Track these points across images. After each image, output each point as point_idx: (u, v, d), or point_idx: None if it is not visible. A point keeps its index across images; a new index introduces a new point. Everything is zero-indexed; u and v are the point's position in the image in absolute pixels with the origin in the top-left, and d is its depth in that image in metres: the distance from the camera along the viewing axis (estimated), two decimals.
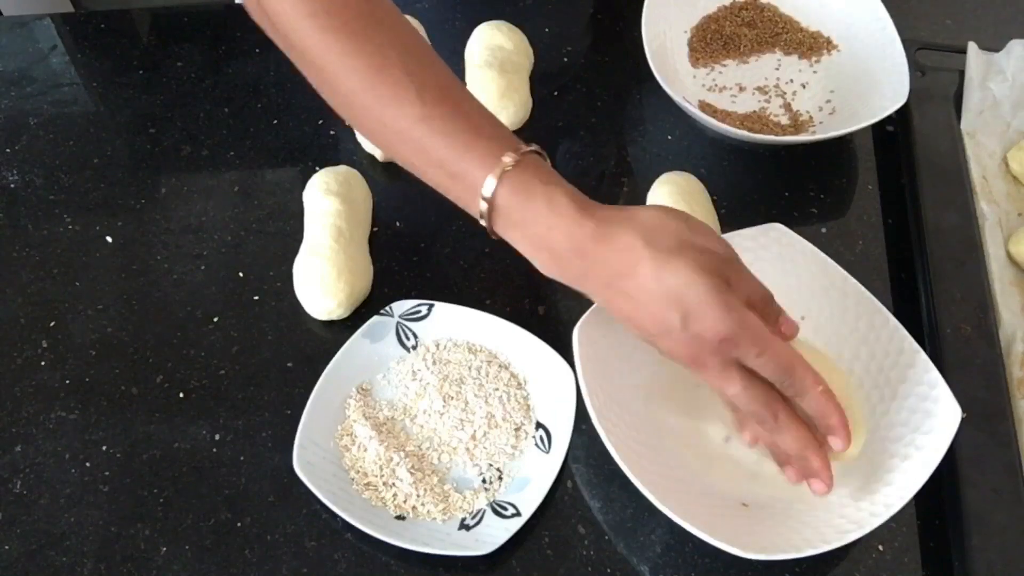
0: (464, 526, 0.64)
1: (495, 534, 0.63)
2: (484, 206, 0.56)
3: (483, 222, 0.57)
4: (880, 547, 0.65)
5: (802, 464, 0.58)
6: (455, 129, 0.57)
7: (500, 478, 0.67)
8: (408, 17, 0.88)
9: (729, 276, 0.55)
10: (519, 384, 0.70)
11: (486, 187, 0.56)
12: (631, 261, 0.54)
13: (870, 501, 0.61)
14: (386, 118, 0.58)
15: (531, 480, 0.66)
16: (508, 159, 0.55)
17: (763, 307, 0.58)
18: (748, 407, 0.56)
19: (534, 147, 0.58)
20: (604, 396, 0.64)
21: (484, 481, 0.66)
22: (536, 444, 0.68)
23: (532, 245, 0.57)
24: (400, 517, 0.65)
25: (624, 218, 0.55)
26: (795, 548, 0.59)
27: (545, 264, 0.57)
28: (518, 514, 0.64)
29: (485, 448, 0.68)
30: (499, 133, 0.58)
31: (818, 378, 0.56)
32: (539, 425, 0.69)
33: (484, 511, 0.65)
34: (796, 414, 0.57)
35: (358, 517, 0.63)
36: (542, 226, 0.56)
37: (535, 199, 0.56)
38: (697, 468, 0.66)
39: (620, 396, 0.66)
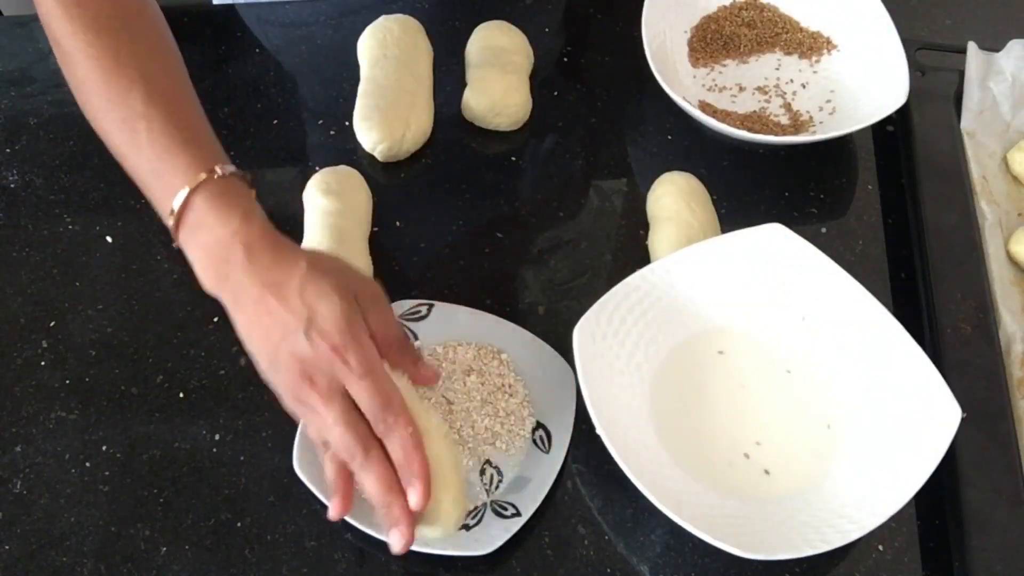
0: (464, 526, 0.64)
1: (495, 534, 0.63)
2: (175, 208, 0.58)
3: (170, 223, 0.59)
4: (880, 547, 0.65)
5: (386, 512, 0.56)
6: (169, 133, 0.59)
7: (500, 478, 0.67)
8: (408, 17, 0.89)
9: (368, 309, 0.58)
10: (519, 384, 0.70)
11: (179, 196, 0.58)
12: (288, 271, 0.57)
13: (870, 501, 0.61)
14: (112, 106, 0.61)
15: (531, 480, 0.66)
16: (206, 174, 0.58)
17: (397, 345, 0.60)
18: (341, 438, 0.55)
19: (237, 171, 0.60)
20: (604, 396, 0.64)
21: (484, 481, 0.66)
22: (536, 444, 0.68)
23: (204, 251, 0.59)
24: None
25: (295, 247, 0.60)
26: (795, 548, 0.59)
27: (207, 270, 0.59)
28: (518, 514, 0.64)
29: (485, 448, 0.68)
30: (212, 150, 0.61)
31: (411, 423, 0.56)
32: (539, 425, 0.69)
33: (484, 511, 0.65)
34: (388, 459, 0.56)
35: (358, 517, 0.63)
36: (224, 232, 0.58)
37: (222, 211, 0.58)
38: (697, 468, 0.66)
39: (620, 396, 0.66)
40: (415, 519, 0.56)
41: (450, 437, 0.63)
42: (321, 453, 0.58)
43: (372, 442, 0.56)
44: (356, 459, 0.55)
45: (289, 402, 0.58)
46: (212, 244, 0.58)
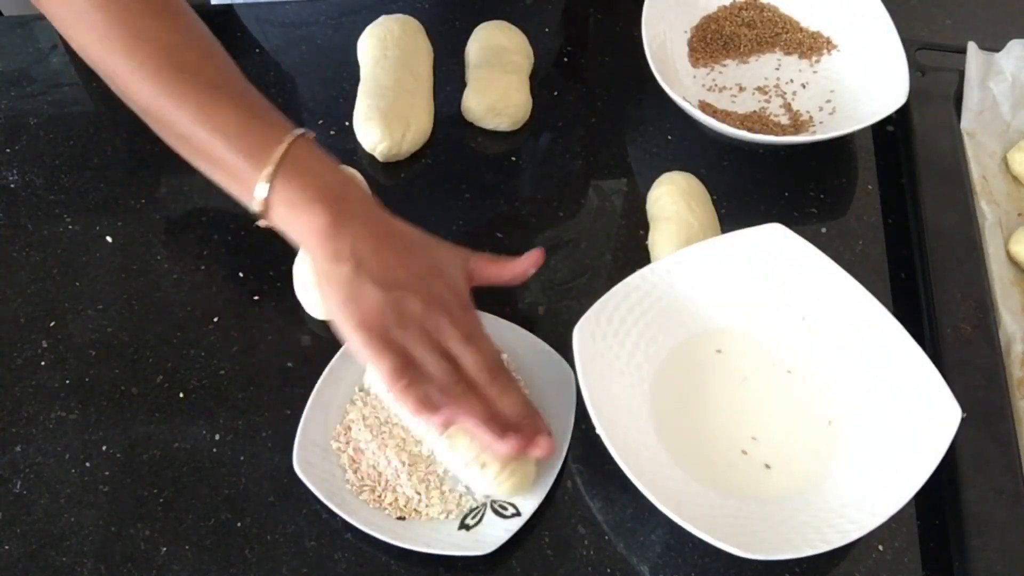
0: (464, 526, 0.64)
1: (495, 534, 0.63)
2: (280, 152, 0.59)
3: (267, 168, 0.59)
4: (880, 547, 0.65)
5: (528, 425, 0.61)
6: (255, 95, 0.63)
7: None
8: (408, 17, 0.89)
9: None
10: (519, 383, 0.70)
11: (283, 143, 0.60)
12: (412, 227, 0.63)
13: (870, 501, 0.61)
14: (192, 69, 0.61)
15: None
16: (302, 129, 0.61)
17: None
18: (440, 364, 0.60)
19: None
20: (604, 396, 0.64)
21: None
22: None
23: (316, 190, 0.60)
24: (400, 517, 0.64)
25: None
26: (795, 548, 0.59)
27: (317, 203, 0.59)
28: (518, 514, 0.64)
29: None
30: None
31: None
32: None
33: (484, 511, 0.65)
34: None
35: (359, 517, 0.63)
36: (336, 178, 0.61)
37: (327, 160, 0.62)
38: (697, 468, 0.66)
39: (620, 396, 0.66)
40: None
41: None
42: (395, 392, 0.59)
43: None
44: (458, 386, 0.60)
45: (369, 336, 0.59)
46: (323, 185, 0.60)
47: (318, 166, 0.61)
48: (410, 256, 0.61)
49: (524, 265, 0.66)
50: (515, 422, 0.61)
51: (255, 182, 0.59)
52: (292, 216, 0.60)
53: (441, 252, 0.64)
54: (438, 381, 0.59)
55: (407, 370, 0.59)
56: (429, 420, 0.60)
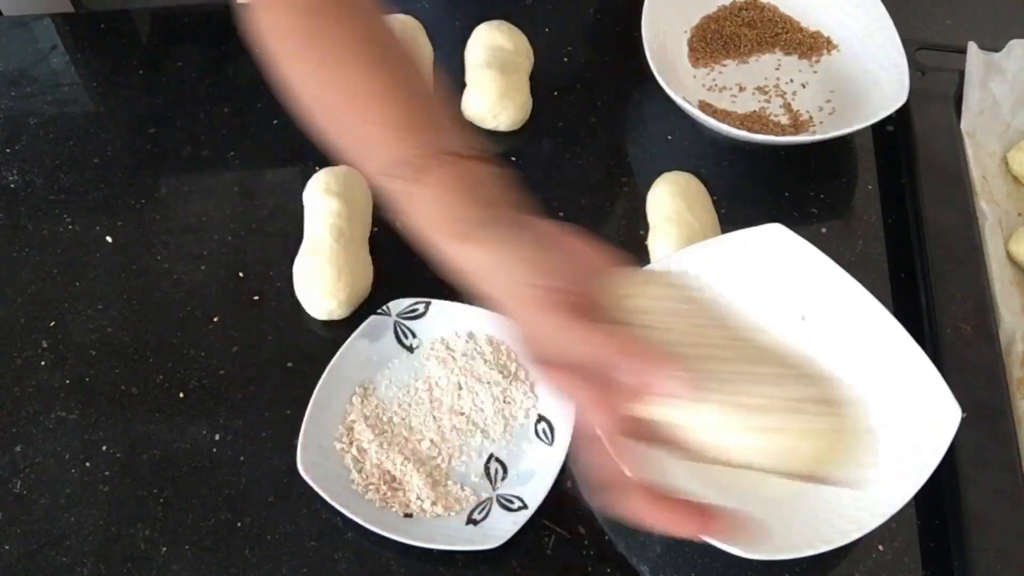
0: (472, 520, 0.64)
1: (503, 527, 0.63)
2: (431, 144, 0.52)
3: (410, 155, 0.52)
4: (880, 547, 0.65)
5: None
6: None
7: (504, 472, 0.67)
8: (408, 17, 0.89)
9: None
10: (519, 378, 0.71)
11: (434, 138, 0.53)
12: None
13: (870, 501, 0.61)
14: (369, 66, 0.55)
15: (536, 473, 0.66)
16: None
17: None
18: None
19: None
20: None
21: (489, 475, 0.67)
22: (539, 436, 0.68)
23: (469, 181, 0.52)
24: (408, 515, 0.65)
25: None
26: (795, 548, 0.59)
27: (465, 193, 0.51)
28: (525, 507, 0.64)
29: (488, 442, 0.68)
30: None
31: None
32: (541, 418, 0.69)
33: (491, 505, 0.65)
34: None
35: (366, 517, 0.63)
36: (494, 171, 0.52)
37: (484, 160, 0.53)
38: (697, 467, 0.66)
39: None
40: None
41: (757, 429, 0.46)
42: (602, 448, 0.48)
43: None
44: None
45: (560, 377, 0.47)
46: (480, 178, 0.52)
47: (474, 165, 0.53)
48: None
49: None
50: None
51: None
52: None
53: None
54: None
55: None
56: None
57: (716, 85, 0.89)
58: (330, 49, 0.56)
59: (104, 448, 0.69)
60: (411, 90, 0.57)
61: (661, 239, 0.76)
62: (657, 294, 0.49)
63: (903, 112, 0.82)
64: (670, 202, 0.77)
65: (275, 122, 0.86)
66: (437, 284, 0.76)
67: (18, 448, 0.69)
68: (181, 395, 0.71)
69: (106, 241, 0.79)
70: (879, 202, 0.83)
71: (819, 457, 0.44)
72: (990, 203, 0.80)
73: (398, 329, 0.72)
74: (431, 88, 0.59)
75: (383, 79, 0.56)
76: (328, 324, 0.74)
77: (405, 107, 0.56)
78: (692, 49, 0.92)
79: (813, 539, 0.59)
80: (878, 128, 0.85)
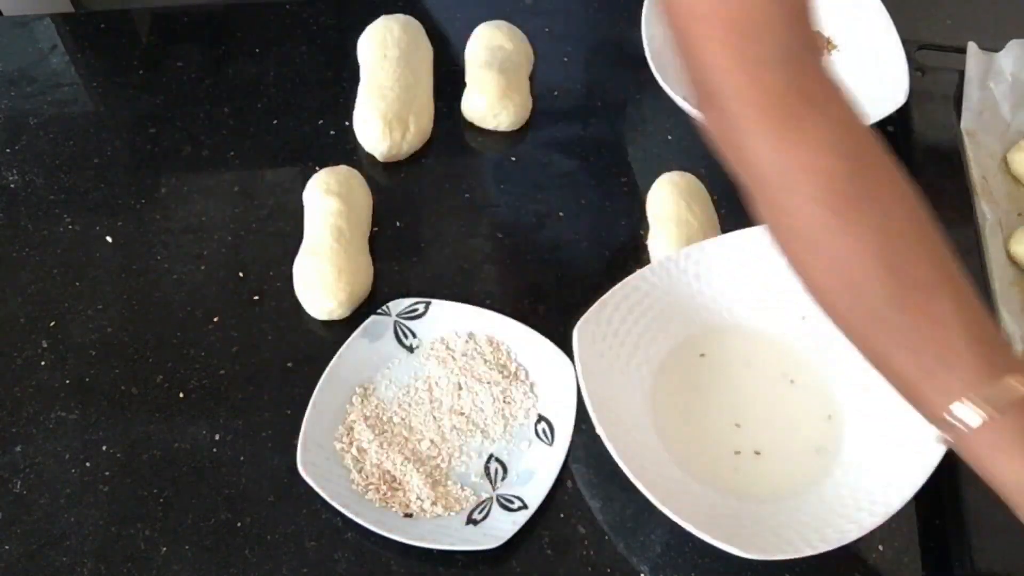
0: (471, 521, 0.64)
1: (503, 527, 0.63)
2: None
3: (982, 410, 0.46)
4: (880, 547, 0.65)
5: None
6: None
7: (504, 472, 0.67)
8: (408, 17, 0.89)
9: None
10: (519, 378, 0.71)
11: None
12: None
13: (870, 501, 0.61)
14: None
15: (535, 473, 0.66)
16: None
17: None
18: None
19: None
20: (604, 395, 0.64)
21: (488, 475, 0.67)
22: (539, 437, 0.68)
23: None
24: (408, 515, 0.65)
25: None
26: (795, 548, 0.59)
27: None
28: (525, 507, 0.64)
29: (488, 442, 0.68)
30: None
31: None
32: (541, 418, 0.69)
33: (491, 505, 0.65)
34: None
35: (366, 517, 0.63)
36: None
37: None
38: (697, 468, 0.66)
39: (620, 395, 0.66)
40: None
41: None
42: None
43: None
44: None
45: None
46: None
47: None
48: None
49: None
50: None
51: (956, 398, 0.46)
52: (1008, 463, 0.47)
53: None
54: None
55: None
56: None
57: None
58: (880, 213, 0.48)
59: (104, 448, 0.68)
60: (967, 281, 0.48)
61: (661, 239, 0.76)
62: None
63: (903, 112, 0.82)
64: (670, 202, 0.77)
65: (275, 122, 0.86)
66: (438, 285, 0.76)
67: (18, 448, 0.69)
68: (181, 395, 0.71)
69: (106, 241, 0.79)
70: None
71: None
72: (990, 203, 0.80)
73: (398, 329, 0.73)
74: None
75: (947, 266, 0.48)
76: (328, 324, 0.74)
77: (978, 306, 0.47)
78: None
79: (813, 539, 0.59)
80: (878, 128, 0.85)
